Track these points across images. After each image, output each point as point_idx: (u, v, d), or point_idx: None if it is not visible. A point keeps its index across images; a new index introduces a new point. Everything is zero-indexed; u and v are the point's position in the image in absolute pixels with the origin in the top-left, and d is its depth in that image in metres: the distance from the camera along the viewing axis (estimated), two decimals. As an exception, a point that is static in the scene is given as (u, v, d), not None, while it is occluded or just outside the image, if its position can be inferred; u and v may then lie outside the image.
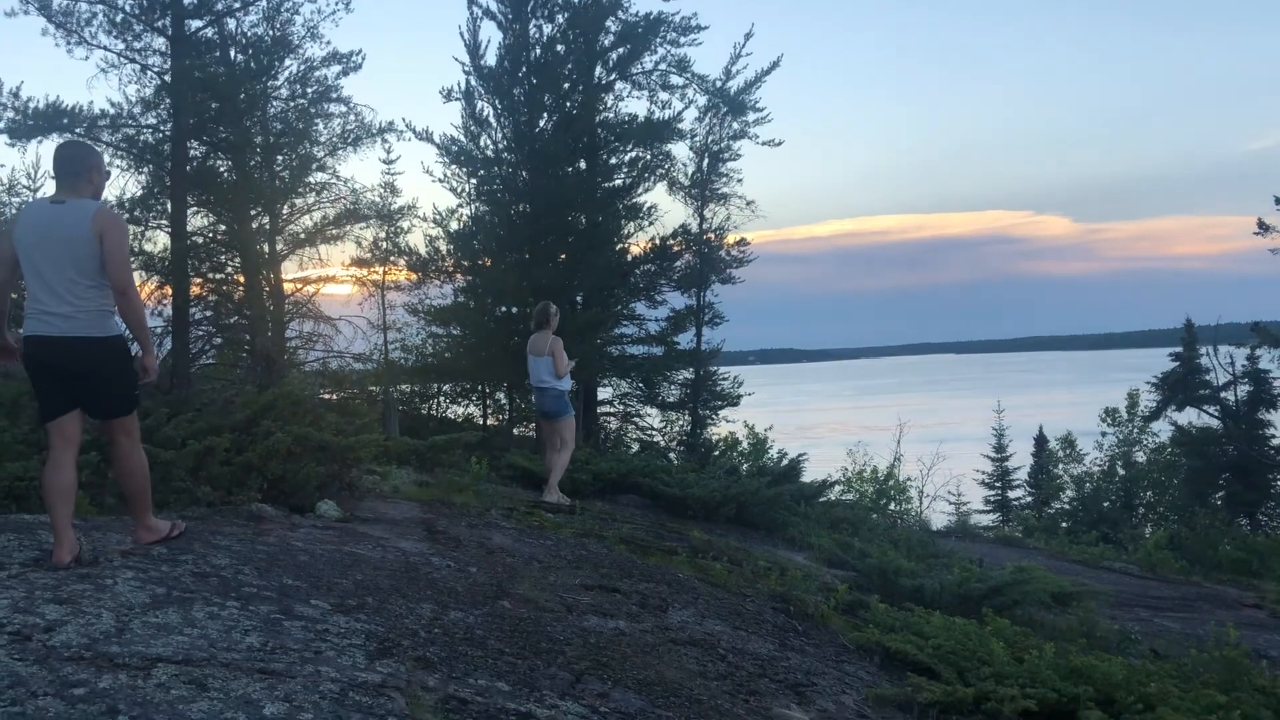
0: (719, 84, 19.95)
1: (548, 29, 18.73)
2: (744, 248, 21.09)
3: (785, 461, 13.40)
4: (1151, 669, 5.12)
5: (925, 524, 15.88)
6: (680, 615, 5.15)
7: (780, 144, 21.14)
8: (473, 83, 18.76)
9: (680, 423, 21.24)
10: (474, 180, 19.10)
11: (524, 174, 18.35)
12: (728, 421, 21.47)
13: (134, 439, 4.24)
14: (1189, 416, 23.41)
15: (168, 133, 14.43)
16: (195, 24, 14.56)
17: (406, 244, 19.23)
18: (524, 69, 18.45)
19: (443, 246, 19.14)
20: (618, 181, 19.31)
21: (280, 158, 16.29)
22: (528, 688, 3.39)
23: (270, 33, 15.51)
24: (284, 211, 16.70)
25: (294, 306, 17.15)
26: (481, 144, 18.89)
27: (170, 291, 14.39)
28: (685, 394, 21.05)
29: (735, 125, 20.69)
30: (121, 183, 14.61)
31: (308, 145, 16.35)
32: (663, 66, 19.39)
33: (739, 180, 21.10)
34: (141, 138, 14.66)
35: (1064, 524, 21.84)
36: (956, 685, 4.57)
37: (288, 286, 17.19)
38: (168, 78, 14.18)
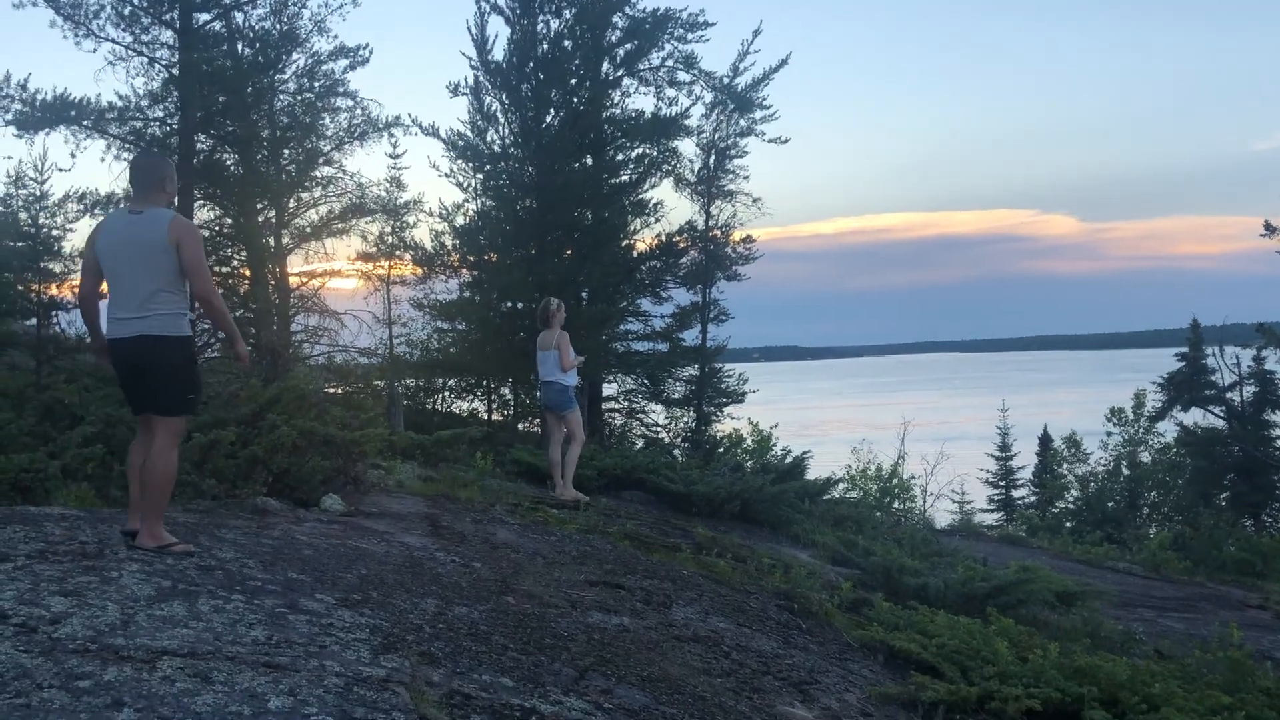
0: (726, 80, 19.90)
1: (555, 24, 18.71)
2: (749, 245, 21.06)
3: (789, 459, 13.40)
4: (1155, 669, 5.11)
5: (929, 523, 15.87)
6: (684, 612, 5.15)
7: (787, 141, 21.08)
8: (480, 78, 18.74)
9: (685, 419, 21.22)
10: (480, 175, 19.07)
11: (530, 169, 18.33)
12: (732, 418, 21.46)
13: (173, 442, 4.30)
14: (1194, 417, 23.33)
15: (175, 126, 14.45)
16: (203, 17, 14.59)
17: (412, 239, 19.25)
18: (531, 64, 18.42)
19: (448, 241, 19.14)
20: (624, 177, 19.27)
21: (287, 151, 16.30)
22: (532, 683, 3.39)
23: (277, 26, 15.52)
24: (290, 205, 16.72)
25: (299, 300, 17.17)
26: (488, 139, 18.87)
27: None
28: (690, 391, 21.02)
29: (742, 122, 20.62)
30: (128, 175, 14.64)
31: (314, 139, 16.36)
32: (670, 63, 19.36)
33: (745, 177, 21.05)
34: (149, 131, 14.69)
35: (1068, 524, 21.80)
36: (960, 684, 4.56)
37: (293, 280, 17.22)
38: (175, 71, 14.19)
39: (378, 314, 19.00)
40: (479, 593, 4.63)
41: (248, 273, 15.76)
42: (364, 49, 15.94)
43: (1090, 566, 12.03)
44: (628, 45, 18.96)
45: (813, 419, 65.27)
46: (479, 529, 6.43)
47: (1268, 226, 18.17)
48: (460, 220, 19.13)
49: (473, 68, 18.77)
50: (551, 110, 18.60)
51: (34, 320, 10.63)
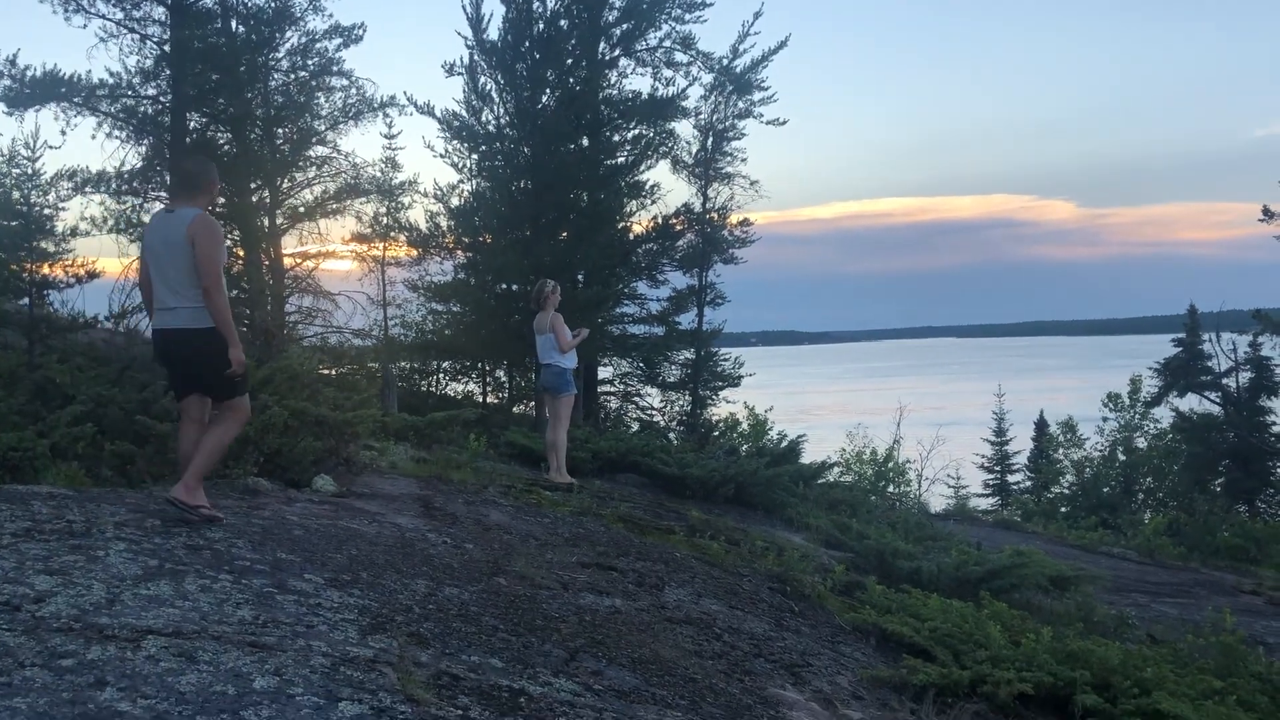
0: (725, 62, 19.77)
1: (551, 3, 18.53)
2: (747, 228, 20.97)
3: (785, 442, 13.37)
4: (1148, 654, 5.11)
5: (924, 507, 15.86)
6: (676, 594, 5.14)
7: (785, 123, 20.99)
8: (475, 57, 18.59)
9: (680, 403, 21.20)
10: (475, 156, 18.95)
11: (526, 150, 18.21)
12: (728, 402, 21.45)
13: (238, 419, 4.65)
14: (1190, 403, 23.35)
15: (167, 104, 14.32)
16: (195, -7, 14.42)
17: (407, 219, 19.17)
18: (527, 44, 18.28)
19: (443, 222, 19.05)
20: (620, 159, 19.15)
21: (281, 131, 16.17)
22: (521, 664, 3.37)
23: (271, 4, 15.36)
24: (284, 185, 16.60)
25: (293, 281, 17.09)
26: (483, 119, 18.75)
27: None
28: (686, 374, 21.00)
29: (740, 104, 20.51)
30: (121, 154, 14.52)
31: (308, 119, 16.23)
32: (667, 43, 19.21)
33: (743, 160, 20.95)
34: (141, 109, 14.56)
35: (1063, 509, 21.83)
36: (952, 668, 4.55)
37: (287, 261, 17.13)
38: (167, 48, 14.05)
39: (372, 295, 18.95)
40: (470, 574, 4.61)
41: (241, 253, 15.67)
42: (359, 28, 15.80)
43: (1085, 551, 12.05)
44: (625, 25, 18.81)
45: (809, 403, 65.36)
46: (471, 510, 6.40)
47: (1266, 212, 18.14)
48: (455, 201, 19.06)
49: (468, 47, 18.66)
50: (547, 90, 18.47)
51: (26, 300, 10.57)
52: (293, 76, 16.02)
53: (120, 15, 14.07)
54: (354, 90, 16.43)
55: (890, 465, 19.90)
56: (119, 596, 3.20)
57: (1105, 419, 25.96)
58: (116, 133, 14.37)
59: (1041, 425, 29.65)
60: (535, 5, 18.39)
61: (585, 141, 18.77)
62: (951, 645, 4.87)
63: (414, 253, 19.21)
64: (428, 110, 18.41)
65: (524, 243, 17.72)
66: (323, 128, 16.54)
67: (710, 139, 20.69)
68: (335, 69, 16.01)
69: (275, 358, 10.52)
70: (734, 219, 20.80)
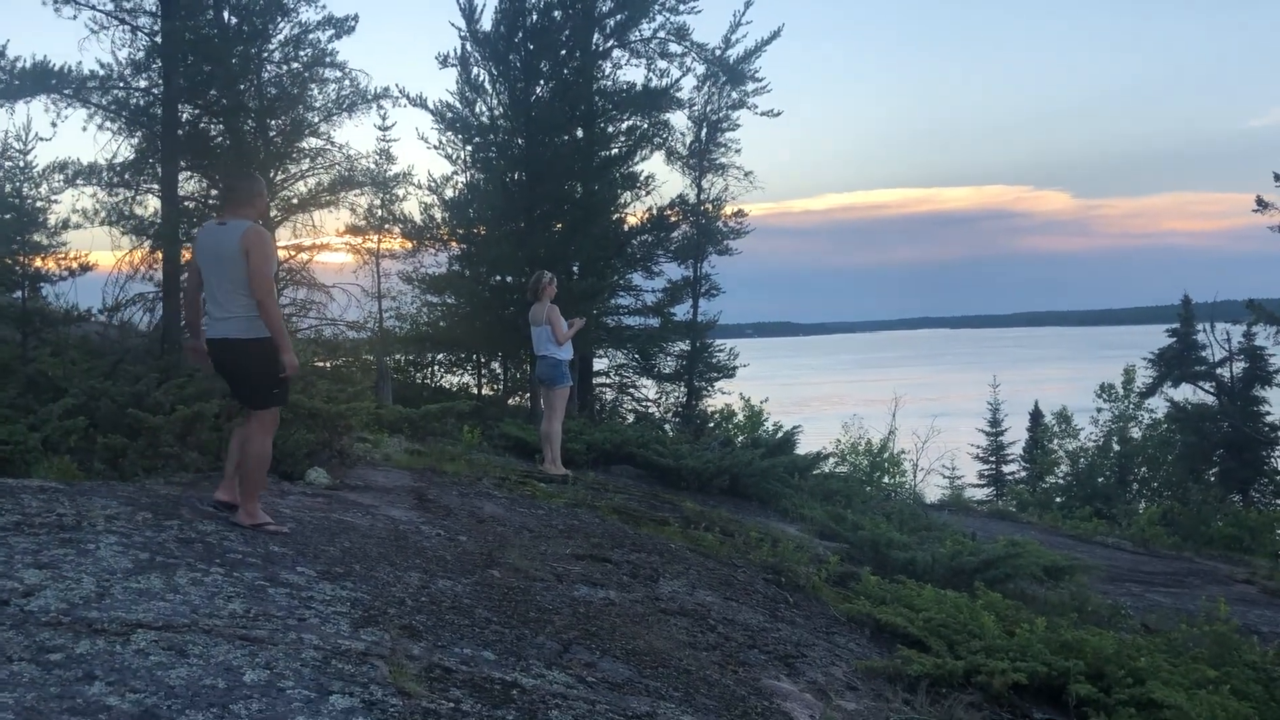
0: (718, 52, 19.71)
1: (545, -7, 18.47)
2: (741, 219, 20.95)
3: (780, 434, 13.38)
4: (1142, 643, 5.12)
5: (919, 497, 15.88)
6: (671, 585, 5.13)
7: (779, 114, 20.92)
8: (469, 48, 18.52)
9: (676, 394, 21.21)
10: (469, 147, 18.89)
11: (520, 141, 18.15)
12: (723, 393, 21.45)
13: (265, 431, 4.64)
14: (1185, 393, 23.41)
15: (159, 96, 14.21)
16: (186, -16, 14.29)
17: (401, 211, 19.03)
18: (521, 34, 18.19)
19: (438, 214, 18.98)
20: (615, 150, 19.12)
21: (274, 122, 16.07)
22: (514, 657, 3.36)
23: (263, -5, 15.23)
24: (278, 178, 16.50)
25: (287, 273, 17.01)
26: (477, 110, 18.68)
27: (161, 257, 14.26)
28: (681, 366, 21.00)
29: (734, 95, 20.48)
30: (113, 146, 14.41)
31: (301, 110, 16.13)
32: (661, 34, 19.16)
33: (737, 151, 20.94)
34: (132, 100, 14.45)
35: (1058, 499, 21.86)
36: (947, 658, 4.55)
37: (281, 253, 17.03)
38: (158, 39, 13.95)
39: (366, 287, 18.83)
40: (464, 566, 4.59)
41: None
42: (351, 19, 15.70)
43: (1079, 541, 12.08)
44: (618, 16, 18.74)
45: (804, 394, 65.37)
46: (465, 502, 6.39)
47: (1260, 202, 18.12)
48: (449, 193, 18.99)
49: (461, 38, 18.57)
50: (541, 81, 18.40)
51: (19, 293, 10.52)
52: (285, 68, 15.89)
53: (110, 6, 13.94)
54: (347, 82, 16.29)
55: (885, 456, 19.91)
56: (109, 590, 3.18)
57: (1100, 409, 26.00)
58: (108, 125, 14.25)
59: (1036, 415, 29.70)
60: (528, -4, 18.32)
61: (579, 133, 18.73)
62: (946, 635, 4.87)
63: (408, 245, 19.12)
64: (421, 102, 18.35)
65: (518, 234, 17.68)
66: (316, 119, 16.42)
67: (704, 130, 20.66)
68: (328, 60, 15.88)
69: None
70: (728, 210, 20.79)
